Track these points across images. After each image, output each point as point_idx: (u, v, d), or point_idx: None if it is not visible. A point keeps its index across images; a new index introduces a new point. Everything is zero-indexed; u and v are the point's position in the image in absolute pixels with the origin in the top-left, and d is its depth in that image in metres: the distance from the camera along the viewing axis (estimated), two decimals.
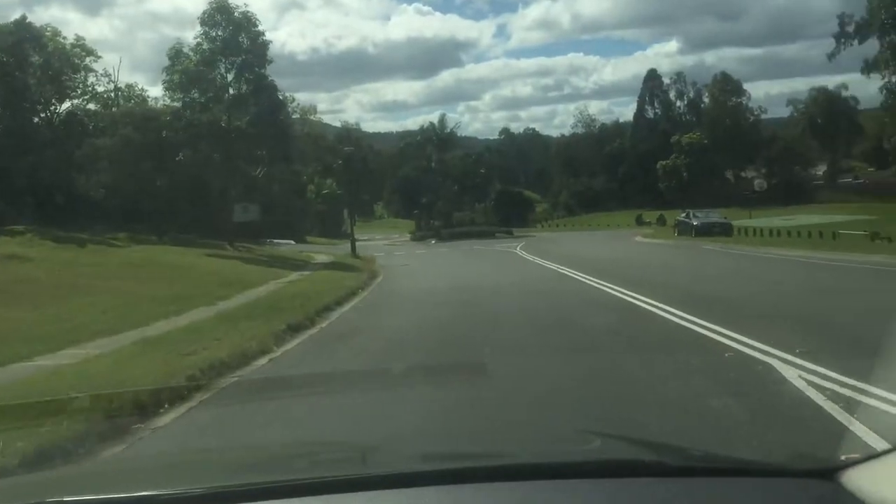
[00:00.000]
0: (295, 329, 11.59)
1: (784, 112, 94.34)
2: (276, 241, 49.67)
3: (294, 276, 22.96)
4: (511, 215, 73.21)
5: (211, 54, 35.15)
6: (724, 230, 37.25)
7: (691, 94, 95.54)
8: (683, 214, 41.55)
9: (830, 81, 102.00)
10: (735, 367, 6.91)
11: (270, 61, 36.33)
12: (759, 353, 7.37)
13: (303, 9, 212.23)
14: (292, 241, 50.82)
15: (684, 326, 9.89)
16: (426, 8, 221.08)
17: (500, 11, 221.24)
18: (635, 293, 13.77)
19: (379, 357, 9.38)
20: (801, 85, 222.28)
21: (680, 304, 11.94)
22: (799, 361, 6.74)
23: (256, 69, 35.56)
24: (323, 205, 67.66)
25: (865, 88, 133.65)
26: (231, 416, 6.66)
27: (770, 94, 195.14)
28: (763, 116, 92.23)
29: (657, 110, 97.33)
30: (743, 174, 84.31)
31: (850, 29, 47.41)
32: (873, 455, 1.55)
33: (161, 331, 11.11)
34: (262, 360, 9.16)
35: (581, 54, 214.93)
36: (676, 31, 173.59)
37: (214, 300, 15.41)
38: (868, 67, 46.77)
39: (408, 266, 29.10)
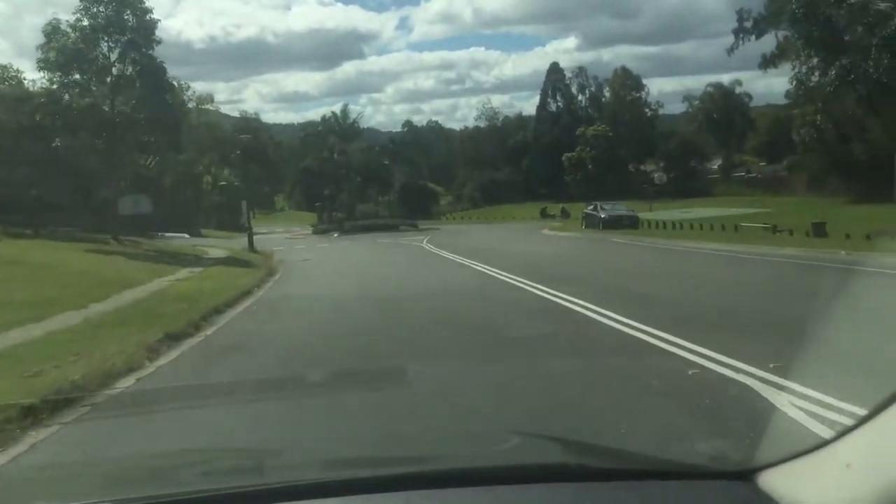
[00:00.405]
0: (175, 338, 9.92)
1: (679, 108, 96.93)
2: (168, 234, 46.84)
3: (182, 273, 20.95)
4: (415, 208, 72.01)
5: (92, 32, 32.28)
6: (632, 223, 37.02)
7: (592, 89, 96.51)
8: (591, 207, 41.17)
9: (721, 79, 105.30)
10: (705, 389, 5.75)
11: (158, 41, 33.70)
12: (727, 368, 6.24)
13: None
14: (186, 235, 48.01)
15: (628, 334, 8.68)
16: None
17: (402, 4, 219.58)
18: (561, 292, 12.63)
19: (272, 372, 7.88)
20: (692, 83, 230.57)
21: (610, 303, 10.90)
22: (780, 381, 5.65)
23: (143, 49, 32.90)
24: (220, 197, 64.54)
25: (758, 85, 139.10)
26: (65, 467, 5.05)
27: (664, 90, 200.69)
28: (660, 112, 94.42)
29: (559, 104, 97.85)
30: (642, 167, 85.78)
31: (749, 24, 48.21)
32: (790, 456, 1.48)
33: (7, 343, 9.24)
34: (128, 381, 7.51)
35: (482, 49, 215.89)
36: (575, 28, 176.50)
37: (86, 303, 13.42)
38: (766, 62, 47.68)
39: (309, 261, 27.39)
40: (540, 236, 38.59)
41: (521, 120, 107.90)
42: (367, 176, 69.30)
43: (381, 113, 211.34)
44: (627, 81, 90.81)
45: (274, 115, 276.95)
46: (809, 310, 8.70)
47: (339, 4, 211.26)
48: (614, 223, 36.47)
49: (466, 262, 21.61)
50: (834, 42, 20.25)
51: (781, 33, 45.73)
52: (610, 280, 16.00)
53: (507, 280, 15.67)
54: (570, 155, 62.03)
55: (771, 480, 1.51)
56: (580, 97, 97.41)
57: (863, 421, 1.29)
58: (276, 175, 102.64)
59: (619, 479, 1.68)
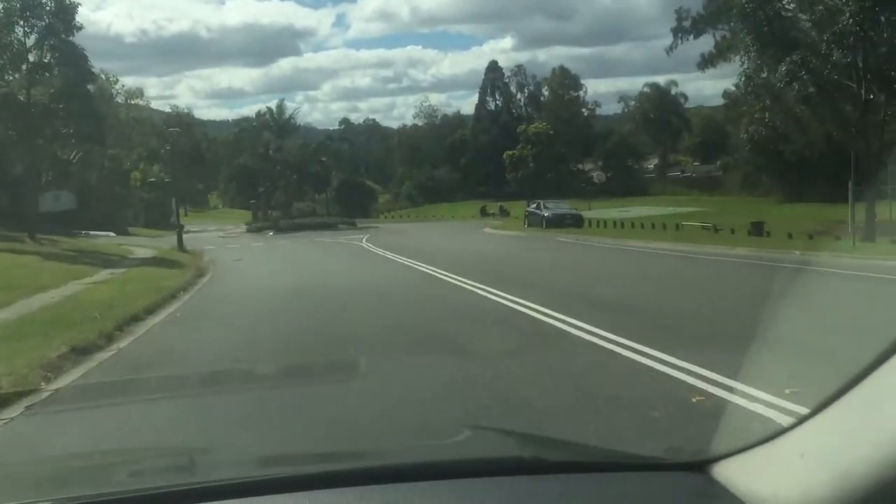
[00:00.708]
0: (82, 352, 8.59)
1: (614, 109, 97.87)
2: (92, 233, 44.51)
3: (102, 275, 19.34)
4: (353, 206, 70.51)
5: (6, 15, 30.09)
6: (576, 221, 36.48)
7: (531, 88, 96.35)
8: (534, 205, 40.49)
9: (654, 80, 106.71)
10: (721, 425, 4.75)
11: (79, 27, 31.58)
12: (739, 396, 5.19)
13: None
14: (112, 234, 45.69)
15: (607, 349, 7.58)
16: None
17: (339, 1, 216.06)
18: (520, 297, 11.63)
19: (193, 395, 6.66)
20: (624, 84, 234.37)
21: (574, 309, 9.96)
22: (803, 411, 4.69)
23: (62, 35, 30.82)
24: (149, 194, 61.96)
25: (689, 88, 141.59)
26: None
27: (598, 91, 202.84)
28: (597, 112, 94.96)
29: (498, 102, 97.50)
30: (581, 167, 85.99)
31: (688, 24, 48.32)
32: (745, 447, 1.48)
33: None
34: (14, 409, 6.20)
35: (420, 47, 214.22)
36: (511, 28, 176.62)
37: None
38: (706, 61, 47.83)
39: (242, 261, 25.92)
40: (482, 235, 37.73)
41: (459, 118, 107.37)
42: (303, 173, 67.50)
43: (318, 111, 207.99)
44: (566, 81, 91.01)
45: (208, 112, 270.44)
46: (797, 318, 7.89)
47: (275, 0, 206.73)
48: (558, 222, 35.85)
49: (409, 262, 20.53)
50: (784, 38, 19.88)
51: (720, 33, 46.18)
52: (567, 282, 15.16)
53: (458, 283, 14.55)
54: (511, 153, 61.34)
55: (726, 471, 1.50)
56: (519, 96, 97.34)
57: (816, 411, 1.27)
58: (211, 172, 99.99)
59: (574, 472, 1.67)
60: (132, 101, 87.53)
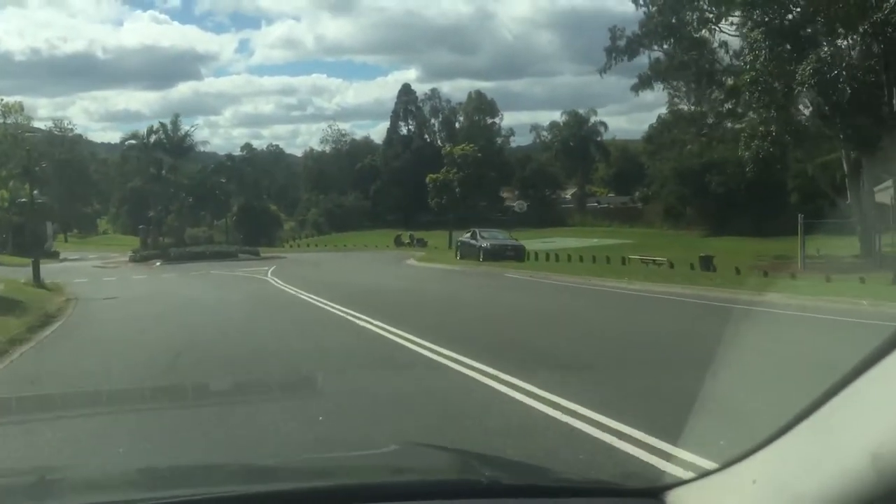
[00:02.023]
0: None
1: (525, 140, 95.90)
2: None
3: None
4: (256, 233, 64.55)
5: None
6: (517, 254, 32.11)
7: (445, 112, 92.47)
8: (468, 235, 35.85)
9: (553, 116, 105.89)
10: None
11: None
12: None
13: (22, 6, 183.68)
14: None
15: None
16: (163, 16, 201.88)
17: (242, 27, 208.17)
18: (529, 382, 6.87)
19: None
20: (527, 118, 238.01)
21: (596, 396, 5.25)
22: None
23: None
24: (19, 217, 54.17)
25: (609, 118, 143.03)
26: None
27: (506, 123, 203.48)
28: (511, 141, 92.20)
29: (411, 126, 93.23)
30: (500, 195, 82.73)
31: (622, 43, 45.29)
32: (701, 475, 1.51)
33: None
34: None
35: (324, 75, 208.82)
36: (415, 60, 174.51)
37: None
38: (641, 83, 45.04)
39: (114, 300, 20.29)
40: (410, 269, 32.89)
41: (368, 144, 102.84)
42: (200, 196, 61.11)
43: (219, 136, 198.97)
44: (482, 105, 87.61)
45: (102, 134, 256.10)
46: None
47: (176, 23, 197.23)
48: (497, 254, 31.34)
49: (336, 308, 15.40)
50: (795, 33, 16.41)
51: (655, 54, 43.36)
52: (561, 344, 10.45)
53: (433, 357, 9.40)
54: (434, 176, 56.84)
55: (680, 498, 1.50)
56: (433, 121, 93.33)
57: (770, 440, 1.28)
58: (101, 195, 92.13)
59: (531, 496, 1.67)
60: (11, 119, 79.32)
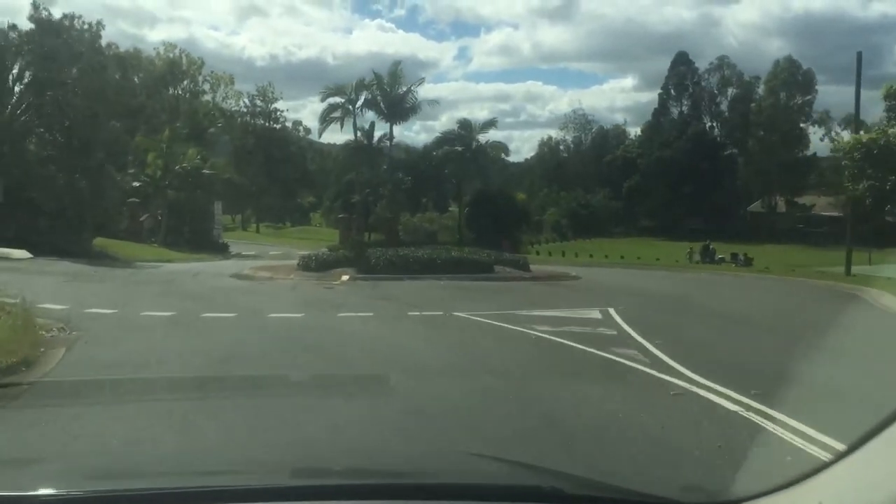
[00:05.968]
0: None
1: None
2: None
3: None
4: (495, 231, 46.36)
5: None
6: None
7: (736, 89, 69.59)
8: None
9: None
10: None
11: None
12: None
13: (265, 16, 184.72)
14: (28, 254, 22.14)
15: None
16: (389, 25, 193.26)
17: (462, 34, 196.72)
18: None
19: None
20: None
21: None
22: None
23: None
24: (180, 190, 39.16)
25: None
26: None
27: None
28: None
29: (684, 106, 71.57)
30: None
31: None
32: (764, 492, 1.45)
33: None
34: None
35: (539, 83, 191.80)
36: (632, 68, 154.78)
37: None
38: None
39: None
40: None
41: (619, 131, 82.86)
42: (421, 176, 43.65)
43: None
44: (797, 78, 63.78)
45: (328, 136, 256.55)
46: None
47: (401, 31, 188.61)
48: None
49: None
50: None
51: None
52: None
53: None
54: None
55: None
56: (720, 98, 70.97)
57: (838, 458, 1.25)
58: (317, 188, 79.77)
59: None
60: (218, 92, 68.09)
